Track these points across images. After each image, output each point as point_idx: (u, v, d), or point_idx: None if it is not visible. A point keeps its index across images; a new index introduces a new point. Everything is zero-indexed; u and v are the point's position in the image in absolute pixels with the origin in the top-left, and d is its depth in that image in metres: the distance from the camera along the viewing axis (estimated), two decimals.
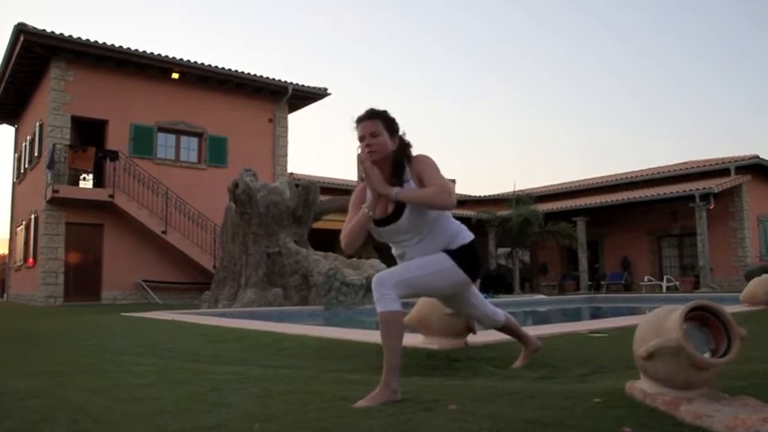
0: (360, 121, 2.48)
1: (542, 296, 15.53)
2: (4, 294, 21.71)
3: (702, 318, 1.90)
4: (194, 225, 16.38)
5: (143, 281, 15.81)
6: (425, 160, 2.48)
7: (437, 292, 2.75)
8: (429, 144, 67.14)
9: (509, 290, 19.10)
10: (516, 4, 57.85)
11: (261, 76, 18.29)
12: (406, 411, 1.97)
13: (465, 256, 2.53)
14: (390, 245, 2.61)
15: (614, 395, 2.02)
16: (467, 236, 2.59)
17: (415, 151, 2.55)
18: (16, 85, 17.78)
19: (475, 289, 2.88)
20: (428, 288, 2.57)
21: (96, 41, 15.57)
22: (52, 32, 14.97)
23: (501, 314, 3.07)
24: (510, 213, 19.45)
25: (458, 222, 2.64)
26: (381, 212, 2.47)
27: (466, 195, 26.68)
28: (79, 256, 15.69)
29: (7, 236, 21.59)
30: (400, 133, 2.52)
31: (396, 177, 2.46)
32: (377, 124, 2.45)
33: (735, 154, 19.35)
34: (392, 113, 2.54)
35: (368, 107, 2.52)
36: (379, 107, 2.53)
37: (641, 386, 1.96)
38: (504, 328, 3.14)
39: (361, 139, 2.46)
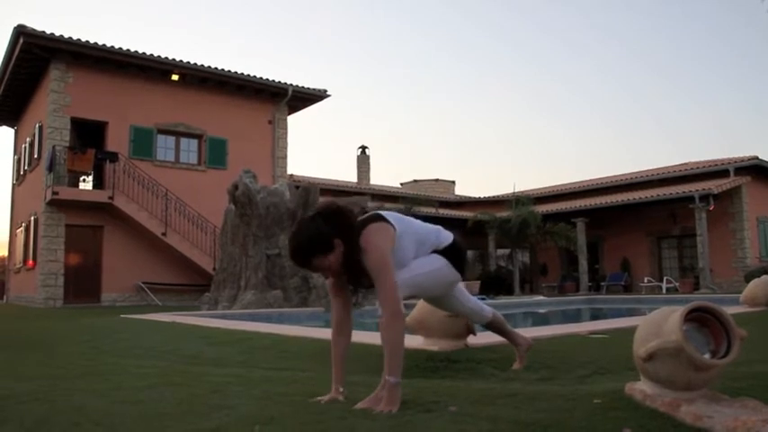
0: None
1: (542, 297, 15.54)
2: (4, 296, 21.70)
3: (702, 319, 1.90)
4: (194, 227, 16.37)
5: (143, 283, 15.80)
6: (367, 254, 2.22)
7: (434, 292, 2.78)
8: (428, 145, 67.17)
9: (509, 291, 19.09)
10: (516, 6, 57.93)
11: (260, 78, 18.29)
12: (406, 413, 1.97)
13: (452, 255, 2.62)
14: None
15: (614, 396, 2.02)
16: (447, 236, 2.67)
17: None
18: (16, 87, 17.78)
19: (460, 285, 2.91)
20: (427, 288, 2.64)
21: (96, 43, 15.58)
22: (52, 34, 14.97)
23: (488, 310, 3.11)
24: (509, 215, 19.45)
25: (433, 227, 2.68)
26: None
27: (465, 197, 26.72)
28: (79, 257, 15.69)
29: (7, 238, 21.59)
30: (340, 222, 2.24)
31: (358, 278, 2.31)
32: (310, 261, 2.23)
33: (734, 155, 19.38)
34: (316, 225, 2.20)
35: (293, 246, 2.23)
36: (303, 236, 2.20)
37: (641, 387, 1.96)
38: (490, 325, 3.15)
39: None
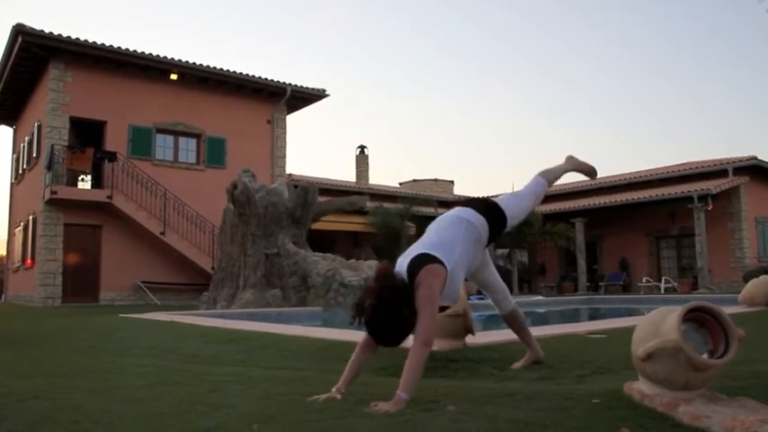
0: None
1: (541, 297, 15.56)
2: (3, 295, 21.67)
3: (701, 319, 1.91)
4: (193, 226, 16.36)
5: (141, 282, 15.78)
6: (419, 289, 2.38)
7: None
8: (427, 145, 67.14)
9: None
10: (516, 6, 57.90)
11: (259, 77, 18.28)
12: (405, 412, 1.98)
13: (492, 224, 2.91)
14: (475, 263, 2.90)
15: (613, 396, 2.03)
16: (481, 224, 2.86)
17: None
18: (14, 86, 17.75)
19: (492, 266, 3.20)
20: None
21: (95, 42, 15.55)
22: (50, 33, 14.95)
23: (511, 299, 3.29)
24: None
25: (466, 234, 2.76)
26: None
27: (464, 196, 26.70)
28: (77, 256, 15.66)
29: (5, 237, 21.58)
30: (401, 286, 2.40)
31: None
32: (404, 339, 2.41)
33: (733, 155, 19.39)
34: (389, 314, 2.34)
35: (386, 342, 2.43)
36: (388, 331, 2.38)
37: (640, 387, 1.97)
38: (510, 315, 3.25)
39: None
